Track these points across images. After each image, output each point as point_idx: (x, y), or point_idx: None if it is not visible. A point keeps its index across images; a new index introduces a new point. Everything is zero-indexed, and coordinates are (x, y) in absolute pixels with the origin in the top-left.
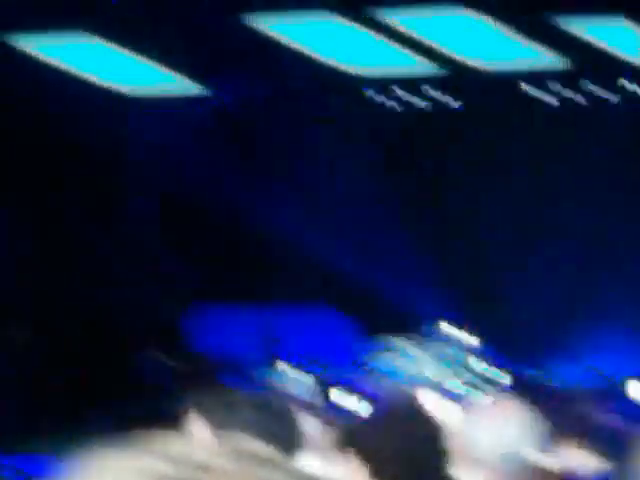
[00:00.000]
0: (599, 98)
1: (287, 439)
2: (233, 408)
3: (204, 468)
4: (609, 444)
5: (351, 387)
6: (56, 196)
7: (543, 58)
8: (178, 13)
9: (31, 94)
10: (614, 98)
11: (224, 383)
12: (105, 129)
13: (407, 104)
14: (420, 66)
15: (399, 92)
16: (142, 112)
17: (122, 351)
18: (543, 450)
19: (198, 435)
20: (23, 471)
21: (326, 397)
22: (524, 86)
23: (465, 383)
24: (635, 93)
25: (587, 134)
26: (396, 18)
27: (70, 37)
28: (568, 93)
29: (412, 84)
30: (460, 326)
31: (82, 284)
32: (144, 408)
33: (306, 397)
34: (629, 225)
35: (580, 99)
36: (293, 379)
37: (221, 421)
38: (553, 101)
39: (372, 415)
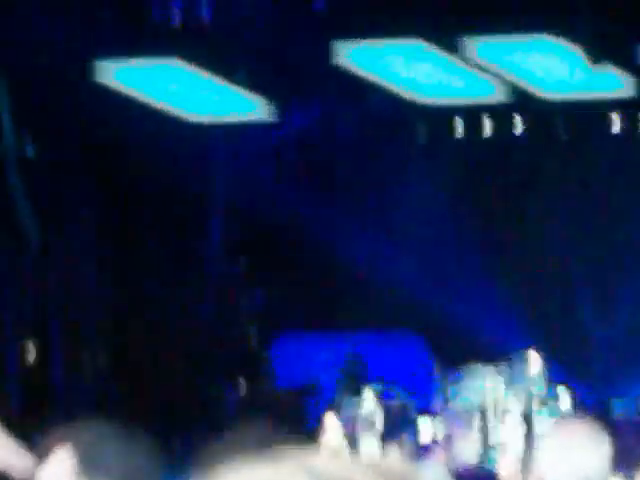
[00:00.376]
0: None
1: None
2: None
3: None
4: None
5: (434, 413)
6: (137, 227)
7: (621, 85)
8: (265, 39)
9: (112, 124)
10: None
11: (309, 412)
12: (185, 159)
13: (479, 132)
14: (495, 94)
15: (471, 120)
16: (223, 141)
17: (208, 380)
18: (614, 472)
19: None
20: None
21: (412, 423)
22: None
23: (546, 410)
24: None
25: None
26: (477, 45)
27: (148, 64)
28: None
29: (487, 112)
30: (542, 355)
31: (168, 314)
32: (227, 439)
33: (391, 424)
34: None
35: None
36: (375, 406)
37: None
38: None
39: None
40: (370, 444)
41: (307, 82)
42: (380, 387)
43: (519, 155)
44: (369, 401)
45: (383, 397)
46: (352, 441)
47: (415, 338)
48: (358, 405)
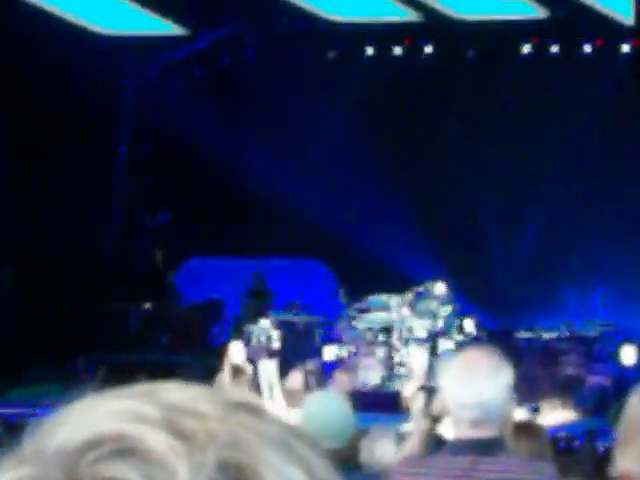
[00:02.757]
0: (575, 49)
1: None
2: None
3: (191, 413)
4: (592, 403)
5: (339, 339)
6: (42, 146)
7: (524, 9)
8: None
9: (19, 37)
10: (589, 49)
11: (213, 335)
12: (93, 75)
13: (387, 52)
14: (401, 14)
15: (380, 40)
16: (129, 55)
17: (113, 300)
18: (519, 403)
19: (188, 384)
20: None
21: (316, 348)
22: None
23: (450, 337)
24: (611, 45)
25: (561, 84)
26: None
27: None
28: (546, 43)
29: (392, 32)
30: (448, 285)
31: (72, 230)
32: (131, 357)
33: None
34: (609, 184)
35: (556, 49)
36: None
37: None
38: (529, 50)
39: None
40: (271, 367)
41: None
42: (284, 312)
43: (429, 76)
44: (272, 325)
45: (287, 322)
46: (254, 364)
47: (322, 266)
48: (261, 328)
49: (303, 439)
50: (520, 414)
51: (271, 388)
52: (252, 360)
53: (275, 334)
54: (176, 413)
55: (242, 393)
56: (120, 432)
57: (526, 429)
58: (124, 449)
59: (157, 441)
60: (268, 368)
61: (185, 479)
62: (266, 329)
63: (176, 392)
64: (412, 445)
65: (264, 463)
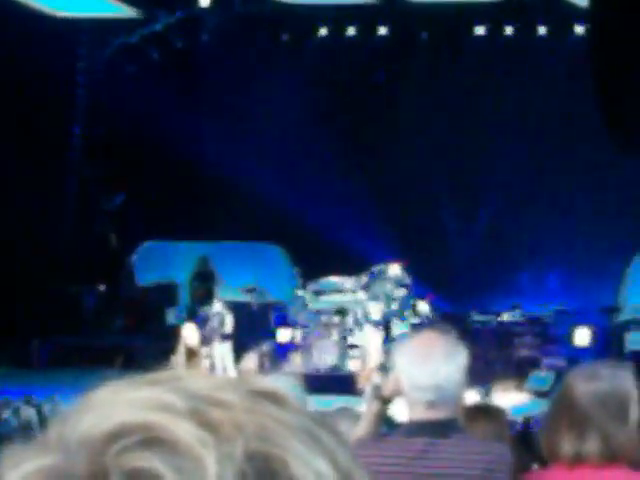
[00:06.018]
0: (529, 31)
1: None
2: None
3: (216, 402)
4: (546, 385)
5: (293, 321)
6: None
7: None
8: None
9: None
10: (543, 31)
11: (167, 316)
12: (48, 57)
13: (341, 33)
14: None
15: (334, 22)
16: (83, 38)
17: (66, 283)
18: (471, 385)
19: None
20: None
21: (270, 330)
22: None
23: (405, 318)
24: (564, 27)
25: (515, 66)
26: None
27: None
28: (500, 25)
29: (346, 13)
30: (403, 267)
31: (28, 217)
32: (85, 340)
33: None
34: (562, 168)
35: (511, 31)
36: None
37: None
38: (483, 32)
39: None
40: (225, 349)
41: None
42: (239, 294)
43: (383, 57)
44: (226, 308)
45: (241, 304)
46: (208, 347)
47: (277, 248)
48: (215, 311)
49: (328, 428)
50: (472, 396)
51: (225, 370)
52: (206, 342)
53: (229, 316)
54: (201, 403)
55: (265, 382)
56: (146, 422)
57: (484, 411)
58: (151, 439)
59: (184, 431)
60: (222, 350)
61: (214, 470)
62: (220, 312)
63: (199, 381)
64: (363, 427)
65: (291, 454)
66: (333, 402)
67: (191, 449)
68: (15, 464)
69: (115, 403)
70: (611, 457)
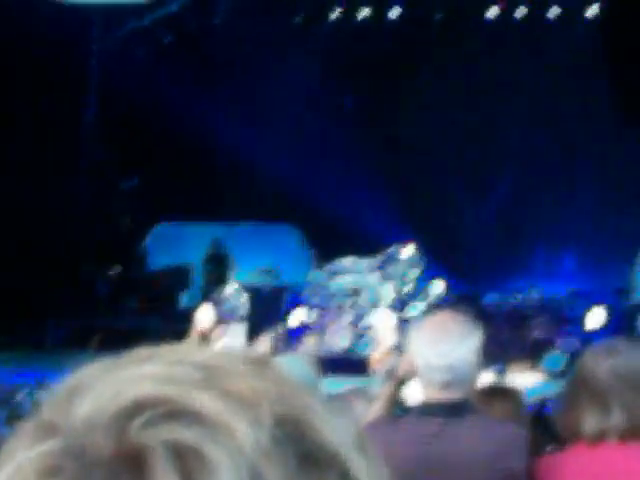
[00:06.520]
0: (541, 13)
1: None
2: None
3: (227, 372)
4: (561, 365)
5: (307, 303)
6: (12, 113)
7: None
8: None
9: None
10: (556, 12)
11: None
12: (60, 43)
13: (354, 15)
14: None
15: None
16: (95, 22)
17: (81, 265)
18: (486, 365)
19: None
20: None
21: (284, 312)
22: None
23: (419, 299)
24: (577, 9)
25: (529, 47)
26: None
27: None
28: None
29: None
30: (417, 247)
31: (43, 199)
32: (99, 321)
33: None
34: (578, 148)
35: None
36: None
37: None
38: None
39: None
40: (239, 332)
41: None
42: (253, 277)
43: (396, 40)
44: (240, 290)
45: (255, 287)
46: (222, 329)
47: (292, 230)
48: (229, 294)
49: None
50: (487, 376)
51: None
52: (220, 325)
53: (243, 299)
54: (213, 373)
55: (251, 350)
56: (161, 395)
57: (500, 392)
58: (173, 411)
59: (207, 402)
60: (236, 333)
61: (247, 437)
62: (234, 294)
63: (201, 353)
64: (377, 408)
65: (315, 415)
66: (347, 384)
67: (219, 419)
68: (16, 450)
69: (115, 381)
70: (635, 430)
